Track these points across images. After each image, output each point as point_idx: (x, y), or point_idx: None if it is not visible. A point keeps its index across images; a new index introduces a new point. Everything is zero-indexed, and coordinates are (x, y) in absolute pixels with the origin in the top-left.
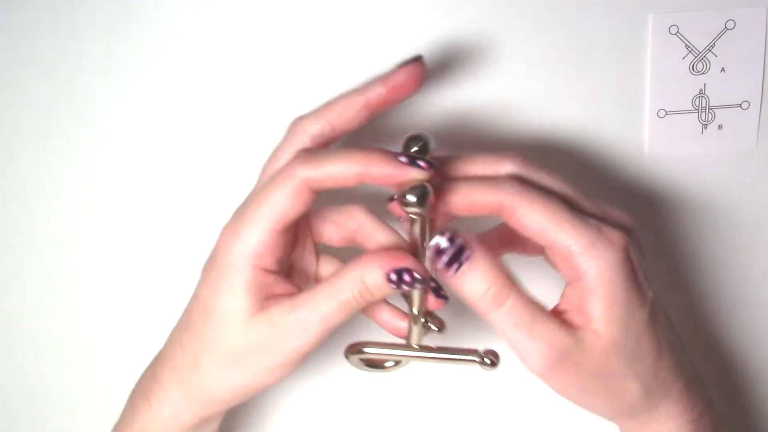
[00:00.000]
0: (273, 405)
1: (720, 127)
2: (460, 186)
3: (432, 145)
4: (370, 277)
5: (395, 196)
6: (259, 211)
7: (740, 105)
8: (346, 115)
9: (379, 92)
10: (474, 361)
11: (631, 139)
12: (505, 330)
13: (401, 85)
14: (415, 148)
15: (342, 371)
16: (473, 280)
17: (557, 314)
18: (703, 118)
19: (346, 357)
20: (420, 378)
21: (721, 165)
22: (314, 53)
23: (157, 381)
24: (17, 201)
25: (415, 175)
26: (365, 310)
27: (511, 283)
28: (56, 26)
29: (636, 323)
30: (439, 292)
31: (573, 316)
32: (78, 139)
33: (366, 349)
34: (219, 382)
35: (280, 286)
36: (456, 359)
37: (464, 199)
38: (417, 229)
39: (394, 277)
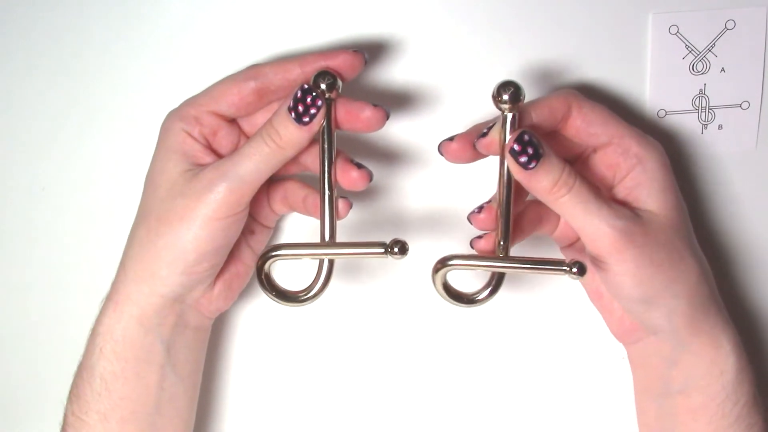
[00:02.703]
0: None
1: (720, 127)
2: (537, 101)
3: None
4: (276, 116)
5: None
6: (202, 92)
7: (740, 105)
8: (231, 98)
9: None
10: (379, 253)
11: None
12: (575, 211)
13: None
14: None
15: (338, 373)
16: (547, 172)
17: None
18: (703, 118)
19: (262, 281)
20: (418, 379)
21: (721, 165)
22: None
23: (113, 288)
24: (18, 201)
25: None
26: (299, 206)
27: (573, 170)
28: (57, 27)
29: (686, 214)
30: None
31: (630, 203)
32: (79, 139)
33: (274, 253)
34: (156, 246)
35: (209, 157)
36: (363, 253)
37: (543, 107)
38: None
39: (291, 104)
